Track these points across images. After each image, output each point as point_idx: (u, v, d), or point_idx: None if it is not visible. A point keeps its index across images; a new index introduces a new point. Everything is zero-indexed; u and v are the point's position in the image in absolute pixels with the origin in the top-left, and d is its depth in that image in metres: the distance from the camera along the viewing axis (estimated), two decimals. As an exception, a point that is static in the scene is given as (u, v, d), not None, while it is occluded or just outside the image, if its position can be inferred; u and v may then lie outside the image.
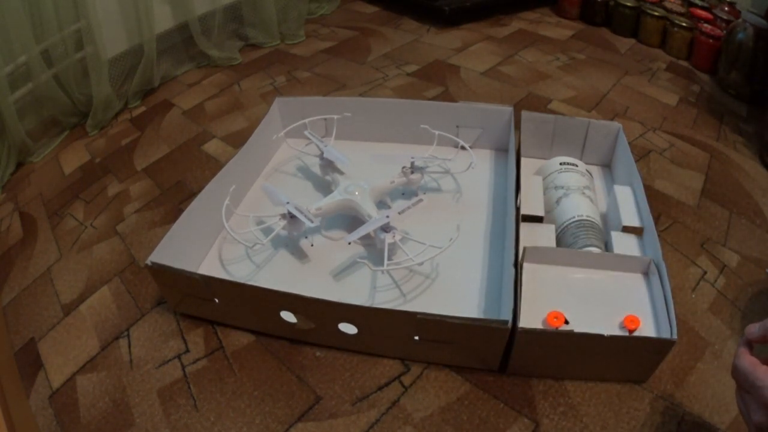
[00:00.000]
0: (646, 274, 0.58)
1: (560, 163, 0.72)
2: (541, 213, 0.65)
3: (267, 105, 0.90)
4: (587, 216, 0.63)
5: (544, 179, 0.71)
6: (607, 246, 0.63)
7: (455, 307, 0.59)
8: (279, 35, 1.29)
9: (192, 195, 0.81)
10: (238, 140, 0.92)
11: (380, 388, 0.54)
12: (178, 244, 0.61)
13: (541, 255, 0.59)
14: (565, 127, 0.77)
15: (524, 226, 0.63)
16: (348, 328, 0.55)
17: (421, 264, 0.62)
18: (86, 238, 0.77)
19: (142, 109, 1.07)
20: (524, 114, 0.77)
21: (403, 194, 0.77)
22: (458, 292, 0.62)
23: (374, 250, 0.67)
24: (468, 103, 0.81)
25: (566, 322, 0.52)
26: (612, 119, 0.93)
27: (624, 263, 0.59)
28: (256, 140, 0.78)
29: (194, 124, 0.99)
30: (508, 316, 0.49)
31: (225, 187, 0.69)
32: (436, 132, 0.79)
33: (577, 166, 0.72)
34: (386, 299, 0.61)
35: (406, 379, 0.55)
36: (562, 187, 0.68)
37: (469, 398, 0.53)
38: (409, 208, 0.65)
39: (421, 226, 0.68)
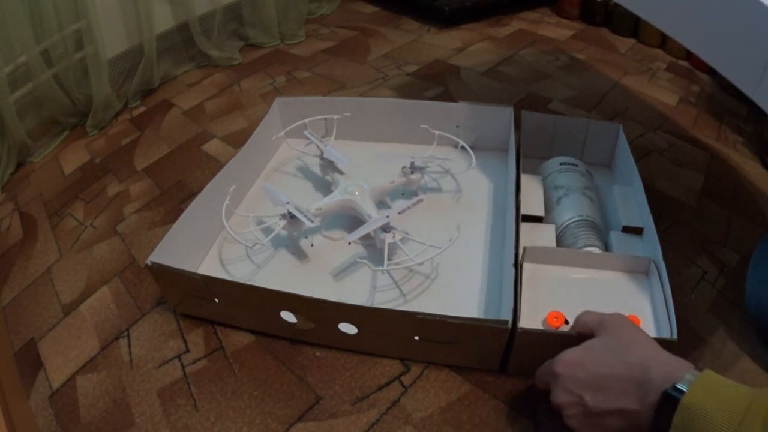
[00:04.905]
0: (646, 274, 0.58)
1: (560, 163, 0.71)
2: (541, 213, 0.65)
3: (267, 105, 0.90)
4: (587, 216, 0.63)
5: (544, 179, 0.71)
6: (607, 246, 0.63)
7: (455, 307, 0.59)
8: (279, 35, 1.29)
9: (192, 195, 0.81)
10: (238, 140, 0.92)
11: (380, 388, 0.54)
12: (178, 244, 0.61)
13: (541, 255, 0.59)
14: (565, 127, 0.77)
15: (524, 226, 0.63)
16: (348, 328, 0.55)
17: (421, 264, 0.62)
18: (86, 238, 0.77)
19: (142, 109, 1.07)
20: (524, 114, 0.77)
21: (402, 194, 0.77)
22: (458, 292, 0.62)
23: (374, 250, 0.67)
24: (468, 103, 0.81)
25: (566, 322, 0.52)
26: (612, 119, 0.93)
27: (624, 263, 0.58)
28: (256, 140, 0.79)
29: (194, 124, 0.99)
30: (508, 316, 0.49)
31: (225, 187, 0.69)
32: (436, 132, 0.79)
33: (577, 166, 0.71)
34: (386, 299, 0.61)
35: (406, 379, 0.55)
36: (563, 187, 0.68)
37: (469, 398, 0.53)
38: (409, 208, 0.65)
39: (421, 226, 0.68)
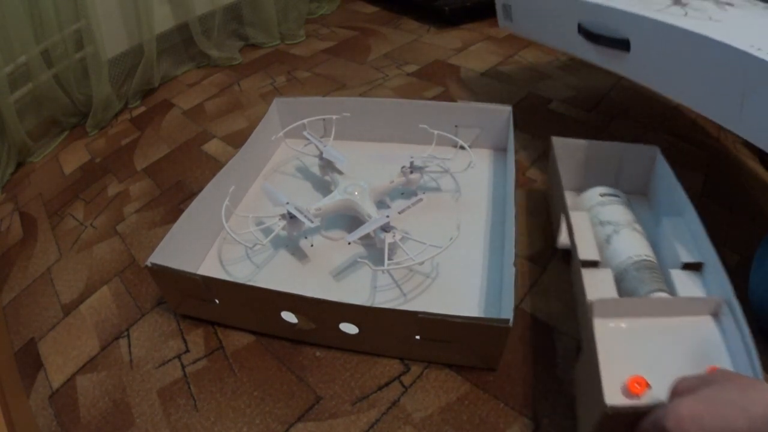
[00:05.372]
0: (715, 315, 0.51)
1: (600, 194, 0.65)
2: (596, 257, 0.57)
3: (267, 105, 0.90)
4: (646, 256, 0.57)
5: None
6: (669, 286, 0.56)
7: (455, 306, 0.59)
8: (279, 35, 1.29)
9: (192, 195, 0.81)
10: (238, 140, 0.92)
11: (380, 388, 0.54)
12: (178, 244, 0.61)
13: (610, 308, 0.51)
14: (598, 152, 0.70)
15: (575, 274, 0.58)
16: (349, 328, 0.55)
17: (421, 263, 0.62)
18: (86, 238, 0.77)
19: (142, 109, 1.07)
20: (555, 140, 0.70)
21: (402, 194, 0.77)
22: (458, 292, 0.62)
23: (374, 250, 0.67)
24: (467, 102, 0.81)
25: (648, 387, 0.45)
26: (612, 119, 0.93)
27: (694, 306, 0.51)
28: (255, 141, 0.79)
29: (194, 124, 0.99)
30: (509, 315, 0.49)
31: (225, 188, 0.70)
32: (435, 132, 0.79)
33: (618, 196, 0.65)
34: (386, 299, 0.61)
35: (406, 379, 0.55)
36: (610, 223, 0.61)
37: (469, 398, 0.53)
38: (408, 207, 0.65)
39: (420, 225, 0.68)
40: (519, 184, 0.77)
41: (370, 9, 1.46)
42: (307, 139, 0.79)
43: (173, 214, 0.78)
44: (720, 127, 0.92)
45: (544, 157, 0.83)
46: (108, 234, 0.77)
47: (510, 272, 0.54)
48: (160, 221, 0.78)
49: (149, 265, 0.56)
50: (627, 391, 0.44)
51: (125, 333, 0.62)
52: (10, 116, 0.88)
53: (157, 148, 0.94)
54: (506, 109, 0.79)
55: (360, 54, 1.21)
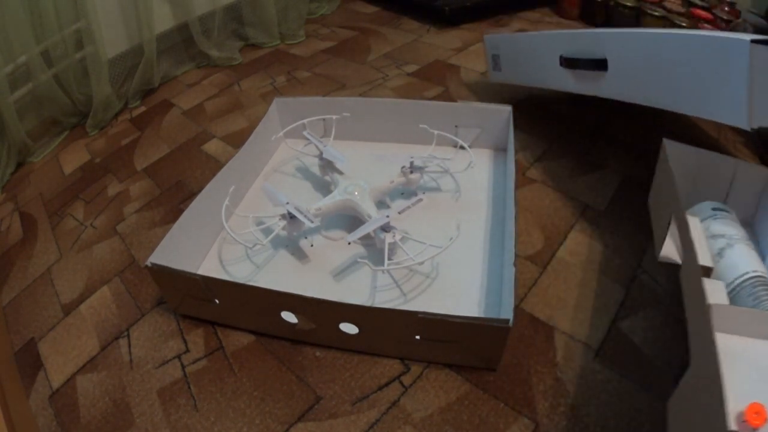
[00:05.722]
0: None
1: (712, 208, 0.61)
2: (709, 263, 0.53)
3: (267, 105, 0.90)
4: (763, 272, 0.52)
5: None
6: None
7: (455, 306, 0.59)
8: (279, 35, 1.29)
9: (192, 195, 0.81)
10: (238, 140, 0.92)
11: (380, 388, 0.54)
12: (178, 244, 0.61)
13: (731, 320, 0.45)
14: (709, 163, 0.64)
15: (687, 282, 0.53)
16: (349, 328, 0.55)
17: (421, 263, 0.62)
18: (86, 238, 0.77)
19: (142, 109, 1.07)
20: (667, 144, 0.64)
21: (402, 194, 0.77)
22: (458, 292, 0.62)
23: (374, 250, 0.67)
24: (467, 102, 0.81)
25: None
26: (612, 120, 0.92)
27: None
28: (255, 141, 0.79)
29: (194, 124, 0.99)
30: (509, 315, 0.49)
31: (225, 188, 0.70)
32: (435, 132, 0.79)
33: (729, 212, 0.61)
34: (386, 299, 0.61)
35: (406, 379, 0.55)
36: (723, 236, 0.57)
37: (469, 398, 0.53)
38: (408, 207, 0.65)
39: (420, 225, 0.68)
40: (519, 184, 0.77)
41: (370, 9, 1.46)
42: (307, 139, 0.79)
43: (173, 214, 0.78)
44: (720, 128, 0.92)
45: (544, 157, 0.83)
46: (108, 234, 0.77)
47: (510, 272, 0.54)
48: (160, 221, 0.78)
49: (149, 265, 0.56)
50: (743, 421, 0.39)
51: (125, 333, 0.62)
52: (10, 116, 0.88)
53: (157, 148, 0.94)
54: (506, 109, 0.79)
55: (360, 54, 1.21)
